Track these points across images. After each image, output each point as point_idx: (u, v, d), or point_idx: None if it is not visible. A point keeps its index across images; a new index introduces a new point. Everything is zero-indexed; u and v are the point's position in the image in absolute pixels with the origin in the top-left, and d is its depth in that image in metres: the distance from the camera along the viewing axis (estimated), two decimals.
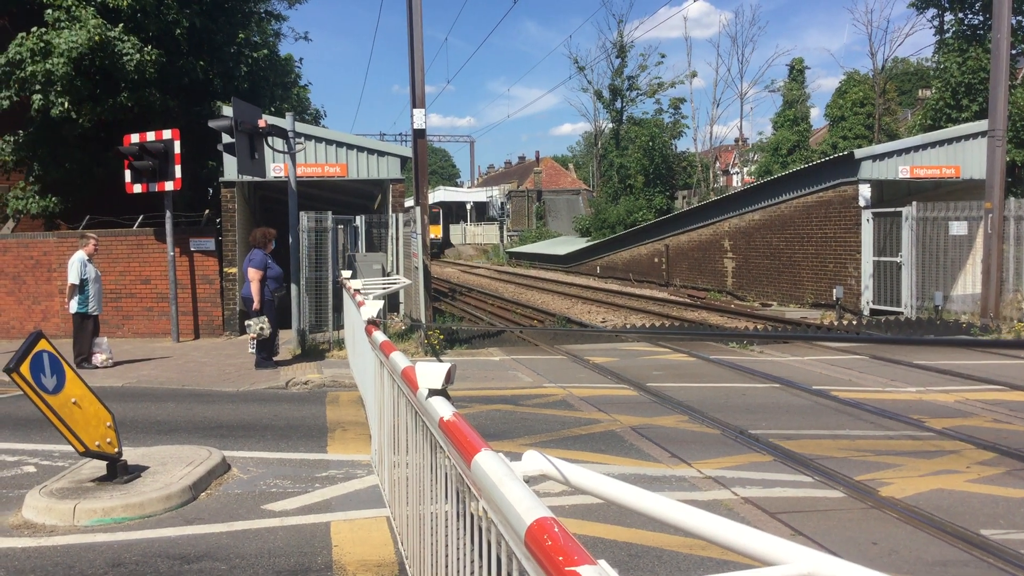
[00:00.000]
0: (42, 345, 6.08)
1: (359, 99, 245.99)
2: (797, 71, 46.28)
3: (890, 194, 23.19)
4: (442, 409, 3.07)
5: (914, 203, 19.08)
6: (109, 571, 5.11)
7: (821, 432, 8.53)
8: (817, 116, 59.26)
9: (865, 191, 20.42)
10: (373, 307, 6.99)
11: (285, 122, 14.19)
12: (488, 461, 2.24)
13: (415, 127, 16.61)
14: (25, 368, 5.89)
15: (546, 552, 1.61)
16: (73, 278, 13.15)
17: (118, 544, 5.56)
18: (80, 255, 13.32)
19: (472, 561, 2.63)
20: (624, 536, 5.58)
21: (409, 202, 18.85)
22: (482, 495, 2.26)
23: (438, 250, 68.84)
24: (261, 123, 13.38)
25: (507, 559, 2.15)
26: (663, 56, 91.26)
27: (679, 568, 5.07)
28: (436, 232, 68.86)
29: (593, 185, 65.35)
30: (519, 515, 1.81)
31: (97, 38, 15.82)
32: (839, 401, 9.95)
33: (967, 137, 21.41)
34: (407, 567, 4.54)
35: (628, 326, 21.40)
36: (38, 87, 16.25)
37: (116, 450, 6.50)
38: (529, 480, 2.15)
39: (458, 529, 3.00)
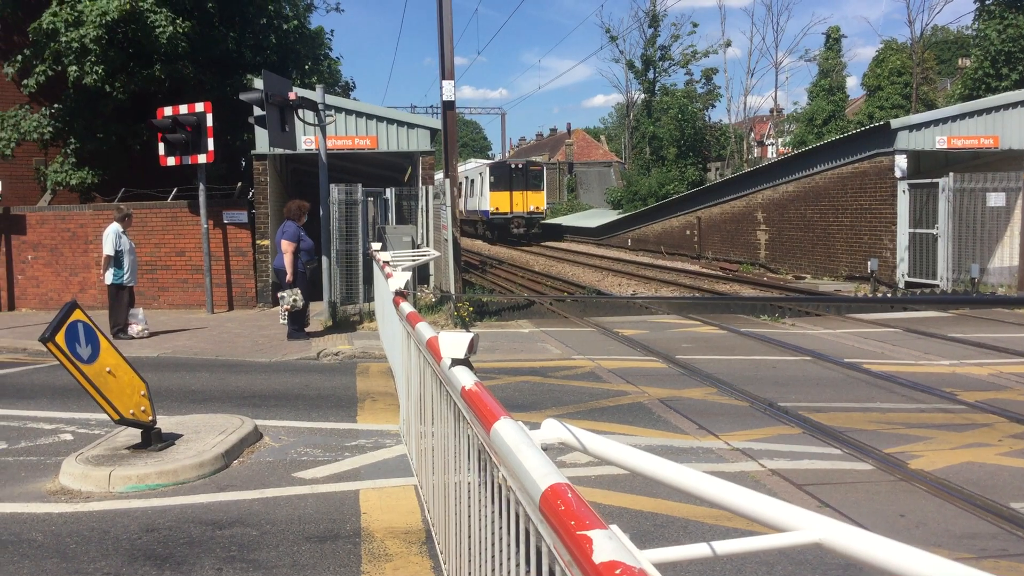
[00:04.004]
0: (76, 315, 6.18)
1: (390, 71, 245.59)
2: (833, 40, 45.34)
3: (927, 165, 22.78)
4: (464, 378, 3.09)
5: (951, 174, 18.74)
6: (143, 536, 5.23)
7: (851, 405, 8.46)
8: (854, 86, 58.12)
9: (901, 162, 20.08)
10: (401, 279, 7.01)
11: (315, 94, 14.21)
12: (506, 428, 2.26)
13: (444, 99, 16.54)
14: (60, 338, 6.00)
15: (559, 517, 1.63)
16: (108, 249, 13.33)
17: (152, 510, 5.68)
18: (115, 227, 13.49)
19: (498, 528, 2.65)
20: (650, 506, 5.59)
21: (439, 176, 18.84)
22: (501, 462, 2.28)
23: (539, 229, 46.89)
24: (291, 95, 13.42)
25: (526, 527, 2.17)
26: (695, 25, 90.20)
27: (704, 538, 5.08)
28: (538, 203, 45.81)
29: (625, 157, 64.81)
30: (534, 481, 1.83)
31: (127, 6, 15.90)
32: (871, 374, 9.86)
33: (1006, 107, 20.93)
34: (433, 534, 4.60)
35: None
36: (72, 57, 16.41)
37: (150, 418, 6.62)
38: (547, 448, 2.16)
39: (482, 498, 3.02)
